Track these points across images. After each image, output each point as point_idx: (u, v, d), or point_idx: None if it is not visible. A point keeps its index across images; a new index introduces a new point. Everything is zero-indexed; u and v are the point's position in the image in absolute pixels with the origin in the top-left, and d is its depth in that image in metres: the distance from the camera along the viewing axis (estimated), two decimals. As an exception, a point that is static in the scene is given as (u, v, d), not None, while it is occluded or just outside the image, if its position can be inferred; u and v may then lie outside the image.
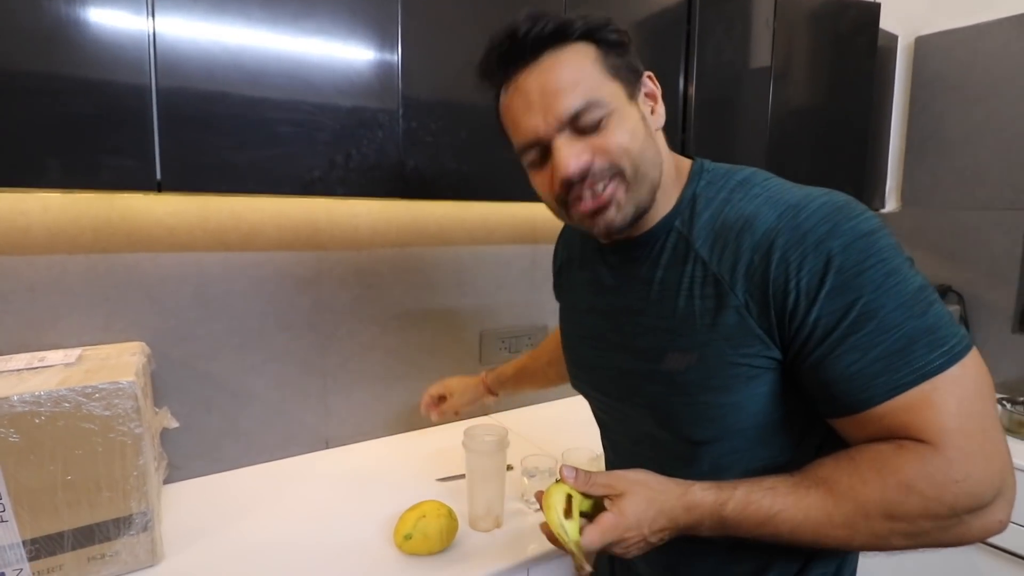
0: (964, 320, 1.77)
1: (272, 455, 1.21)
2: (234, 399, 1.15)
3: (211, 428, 1.14)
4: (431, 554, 0.88)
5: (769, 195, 0.57)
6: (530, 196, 1.17)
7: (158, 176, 0.81)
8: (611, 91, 0.57)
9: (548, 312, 1.55)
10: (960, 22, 1.74)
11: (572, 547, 0.55)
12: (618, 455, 0.79)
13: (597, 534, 0.55)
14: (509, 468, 1.04)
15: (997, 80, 1.68)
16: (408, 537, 0.86)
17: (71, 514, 0.79)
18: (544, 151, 0.59)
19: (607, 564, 0.83)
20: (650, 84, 0.62)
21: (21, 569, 0.77)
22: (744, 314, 0.55)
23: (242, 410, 1.17)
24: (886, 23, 1.77)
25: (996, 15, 1.67)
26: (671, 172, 0.63)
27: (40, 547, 0.77)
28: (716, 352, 0.57)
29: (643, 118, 0.60)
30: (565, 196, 0.59)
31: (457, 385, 1.13)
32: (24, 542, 0.76)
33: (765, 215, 0.55)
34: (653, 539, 0.56)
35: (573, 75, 0.56)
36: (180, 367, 1.09)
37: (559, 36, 0.57)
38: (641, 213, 0.61)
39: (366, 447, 1.29)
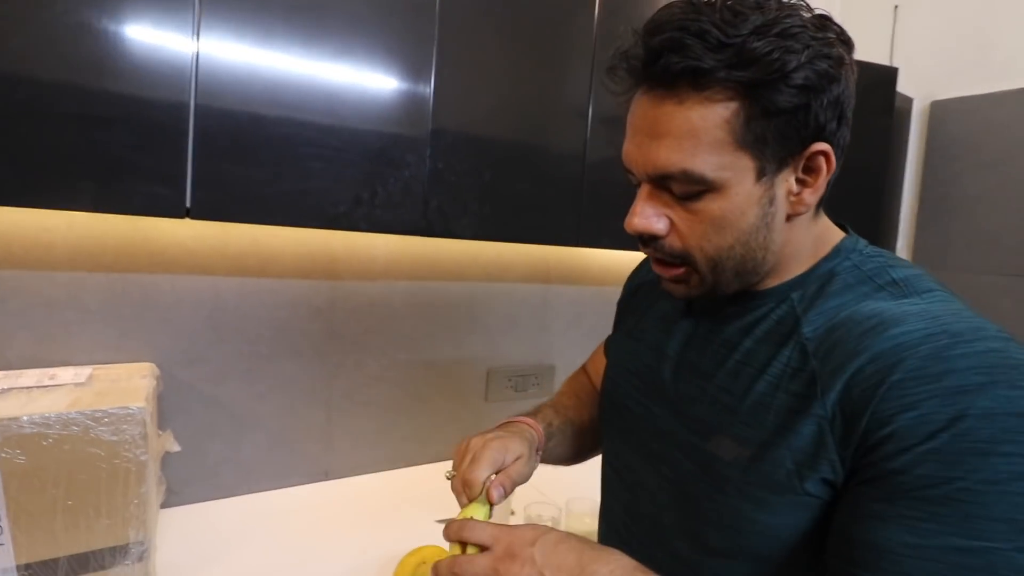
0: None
1: (271, 484, 1.19)
2: (238, 425, 1.14)
3: (212, 453, 1.12)
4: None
5: (927, 308, 0.45)
6: (546, 239, 1.20)
7: (188, 204, 0.82)
8: (730, 164, 0.46)
9: (556, 352, 1.55)
10: (976, 90, 1.78)
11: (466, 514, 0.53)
12: (609, 526, 0.68)
13: (488, 527, 0.49)
14: (512, 514, 1.03)
15: (1011, 148, 1.70)
16: (411, 583, 0.84)
17: (68, 539, 0.77)
18: (637, 182, 0.52)
19: None
20: (819, 160, 0.48)
21: (12, 595, 0.75)
22: (826, 429, 0.44)
23: (244, 437, 1.15)
24: (902, 86, 1.80)
25: (1011, 85, 1.70)
26: (801, 248, 0.53)
27: (34, 572, 0.76)
28: (775, 459, 0.47)
29: (769, 202, 0.48)
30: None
31: (520, 445, 0.63)
32: (18, 567, 0.75)
33: (909, 325, 0.43)
34: (546, 571, 0.46)
35: (685, 130, 0.46)
36: (187, 390, 1.09)
37: (699, 76, 0.45)
38: (722, 289, 0.53)
39: (366, 480, 1.27)
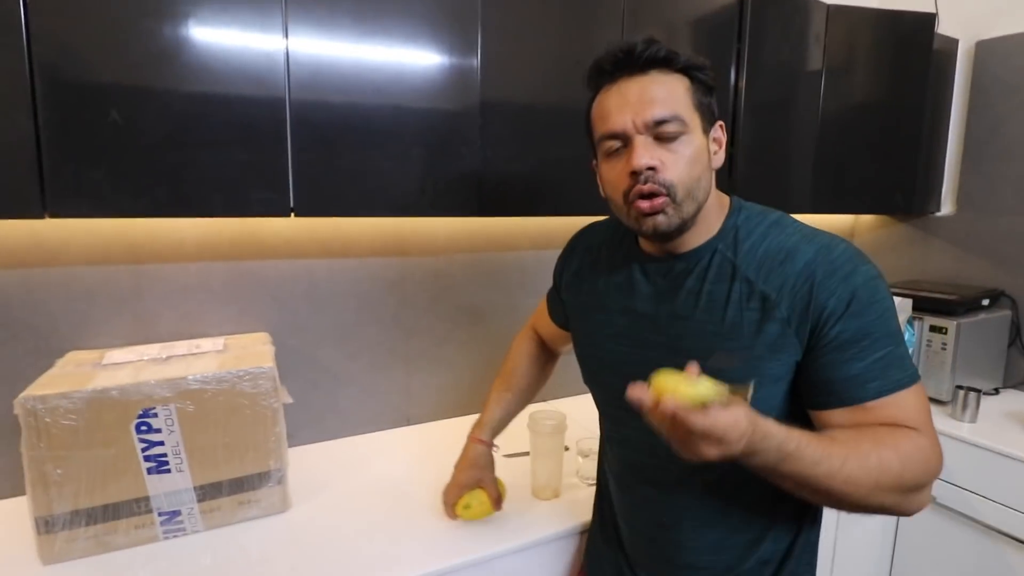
0: (1016, 324, 1.79)
1: (365, 429, 1.43)
2: (335, 381, 1.38)
3: (316, 404, 1.37)
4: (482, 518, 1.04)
5: (802, 235, 0.72)
6: (585, 210, 1.34)
7: (291, 204, 1.02)
8: (691, 118, 0.70)
9: (601, 310, 1.70)
10: (1022, 28, 1.74)
11: (698, 398, 0.55)
12: (625, 450, 0.85)
13: (724, 413, 0.55)
14: (566, 449, 1.21)
15: (1060, 86, 1.68)
16: (467, 507, 1.02)
17: (228, 468, 1.02)
18: (623, 145, 0.71)
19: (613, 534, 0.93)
20: (719, 131, 0.75)
21: (192, 507, 1.01)
22: (786, 326, 0.68)
23: (340, 390, 1.39)
24: (946, 27, 1.79)
25: (1062, 19, 1.66)
26: (714, 204, 0.76)
27: (205, 492, 1.01)
28: (757, 355, 0.70)
29: (707, 152, 0.73)
30: (629, 190, 0.70)
31: (482, 473, 1.04)
32: (195, 487, 1.00)
33: (804, 250, 0.70)
34: (735, 448, 0.56)
35: (669, 93, 0.69)
36: (293, 353, 1.32)
37: (667, 62, 0.70)
38: (685, 226, 0.72)
39: (442, 425, 1.50)
